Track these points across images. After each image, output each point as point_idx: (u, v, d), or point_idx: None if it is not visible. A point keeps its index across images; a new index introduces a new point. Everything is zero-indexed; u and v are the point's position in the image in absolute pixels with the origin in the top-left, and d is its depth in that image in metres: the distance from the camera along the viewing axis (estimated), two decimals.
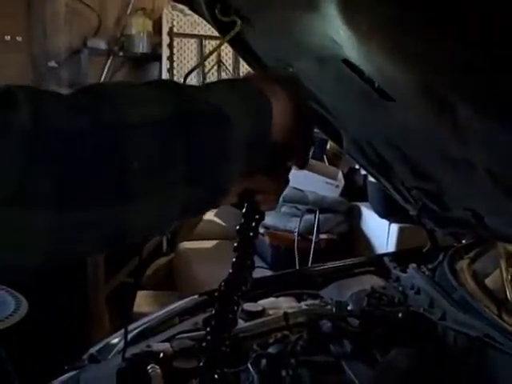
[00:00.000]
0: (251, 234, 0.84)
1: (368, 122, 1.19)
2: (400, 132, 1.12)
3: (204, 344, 0.83)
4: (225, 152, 0.67)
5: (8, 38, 4.87)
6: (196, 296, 1.53)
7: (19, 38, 4.96)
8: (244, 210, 0.84)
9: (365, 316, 1.25)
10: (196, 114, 0.64)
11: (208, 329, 0.86)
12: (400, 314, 1.27)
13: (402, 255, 1.66)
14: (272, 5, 0.97)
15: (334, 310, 1.31)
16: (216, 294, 0.90)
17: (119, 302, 3.35)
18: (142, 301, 3.15)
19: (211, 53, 4.08)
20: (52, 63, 5.05)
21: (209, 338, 0.83)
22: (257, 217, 0.83)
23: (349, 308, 1.32)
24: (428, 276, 1.41)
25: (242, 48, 1.32)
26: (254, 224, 0.83)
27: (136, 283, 3.03)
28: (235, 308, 0.89)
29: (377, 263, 1.64)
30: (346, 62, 0.96)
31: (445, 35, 0.71)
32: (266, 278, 1.66)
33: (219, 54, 4.54)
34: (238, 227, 0.85)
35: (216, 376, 0.76)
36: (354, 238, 3.24)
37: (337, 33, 0.88)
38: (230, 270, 0.90)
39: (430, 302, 1.31)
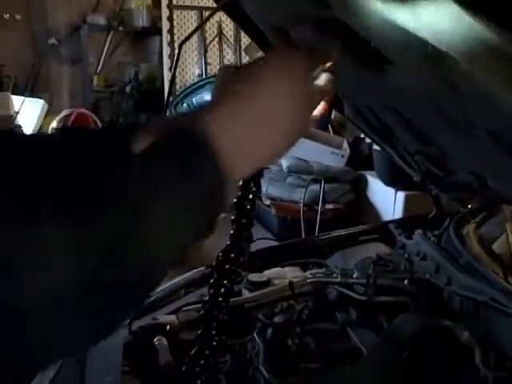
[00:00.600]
0: (248, 206, 0.83)
1: (366, 85, 1.18)
2: (399, 95, 1.11)
3: (202, 313, 0.83)
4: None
5: (7, 16, 4.84)
6: (201, 268, 1.53)
7: (18, 16, 4.92)
8: (240, 182, 0.82)
9: (370, 284, 1.24)
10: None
11: (206, 298, 0.86)
12: (405, 281, 1.27)
13: (407, 222, 1.65)
14: None
15: (339, 278, 1.30)
16: (213, 264, 0.89)
17: None
18: None
19: (206, 20, 4.04)
20: (52, 40, 5.02)
21: (206, 307, 0.83)
22: (253, 189, 0.82)
23: (354, 276, 1.31)
24: (434, 242, 1.40)
25: (238, 16, 1.30)
26: (250, 196, 0.82)
27: None
28: (232, 277, 0.89)
29: (382, 231, 1.63)
30: (342, 24, 0.94)
31: None
32: (271, 248, 1.66)
33: (220, 26, 4.48)
34: (234, 199, 0.84)
35: (214, 343, 0.75)
36: (361, 207, 3.23)
37: None
38: (228, 242, 0.89)
39: (435, 267, 1.30)
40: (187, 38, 1.07)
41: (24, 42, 4.95)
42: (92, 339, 0.53)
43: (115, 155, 0.57)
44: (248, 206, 0.82)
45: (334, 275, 1.33)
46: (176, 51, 4.46)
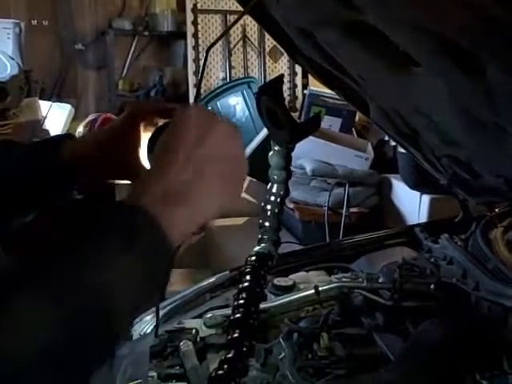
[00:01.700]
0: (276, 210, 0.83)
1: (394, 88, 1.17)
2: (427, 98, 1.10)
3: (232, 318, 0.83)
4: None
5: (35, 22, 4.90)
6: (227, 272, 1.53)
7: (46, 22, 4.99)
8: (268, 187, 0.83)
9: (396, 288, 1.23)
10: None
11: (235, 303, 0.86)
12: (432, 286, 1.25)
13: (433, 226, 1.64)
14: None
15: (364, 282, 1.29)
16: (242, 269, 0.89)
17: None
18: (175, 279, 3.18)
19: (233, 24, 4.04)
20: (79, 46, 5.08)
21: (236, 312, 0.83)
22: (281, 193, 0.82)
23: (380, 280, 1.30)
24: (460, 246, 1.39)
25: (265, 20, 1.31)
26: (278, 200, 0.82)
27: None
28: (262, 282, 0.89)
29: (408, 234, 1.62)
30: (369, 27, 0.94)
31: None
32: (296, 252, 1.65)
33: (244, 30, 4.50)
34: (262, 204, 0.84)
35: (245, 349, 0.76)
36: (385, 211, 3.20)
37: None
38: (257, 247, 0.89)
39: (462, 272, 1.29)
40: (214, 43, 1.07)
41: (51, 48, 5.01)
42: None
43: (70, 231, 0.61)
44: (276, 210, 0.83)
45: (360, 280, 1.32)
46: (201, 55, 4.48)
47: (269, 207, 0.86)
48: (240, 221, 3.51)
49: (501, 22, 0.64)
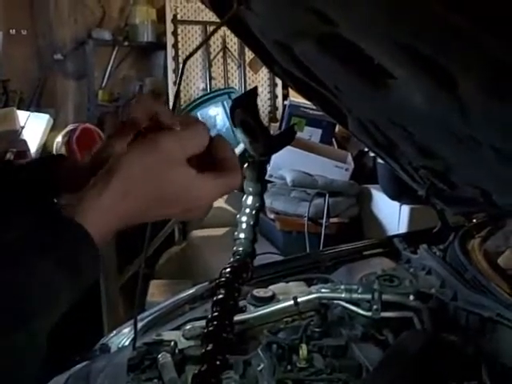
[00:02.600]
0: (251, 222, 0.83)
1: (370, 100, 1.18)
2: (403, 110, 1.11)
3: (205, 331, 0.83)
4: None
5: (13, 31, 4.87)
6: (206, 283, 1.53)
7: (24, 32, 4.95)
8: (243, 199, 0.82)
9: (375, 299, 1.24)
10: None
11: (209, 316, 0.85)
12: (411, 296, 1.26)
13: (412, 236, 1.65)
14: None
15: (344, 293, 1.30)
16: (217, 281, 0.89)
17: (133, 292, 3.37)
18: (155, 290, 3.16)
19: (209, 36, 4.05)
20: (58, 55, 5.04)
21: (210, 325, 0.83)
22: (256, 205, 0.82)
23: (359, 291, 1.30)
24: (439, 256, 1.40)
25: (242, 32, 1.31)
26: (253, 212, 0.82)
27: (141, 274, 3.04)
28: (236, 295, 0.88)
29: (387, 245, 1.63)
30: (344, 40, 0.95)
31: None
32: (276, 263, 1.65)
33: (224, 41, 4.50)
34: (237, 216, 0.84)
35: (218, 362, 0.75)
36: (365, 221, 3.22)
37: (333, 9, 0.86)
38: (231, 259, 0.89)
39: (441, 282, 1.30)
40: (191, 55, 1.07)
41: (30, 57, 4.97)
42: None
43: None
44: (251, 222, 0.82)
45: (339, 291, 1.32)
46: (180, 66, 4.47)
47: (244, 219, 0.86)
48: (220, 231, 3.50)
49: (460, 30, 0.65)
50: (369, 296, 1.25)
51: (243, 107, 0.79)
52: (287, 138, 0.84)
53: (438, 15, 0.66)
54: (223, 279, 0.87)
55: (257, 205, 0.83)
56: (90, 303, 2.92)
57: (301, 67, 1.26)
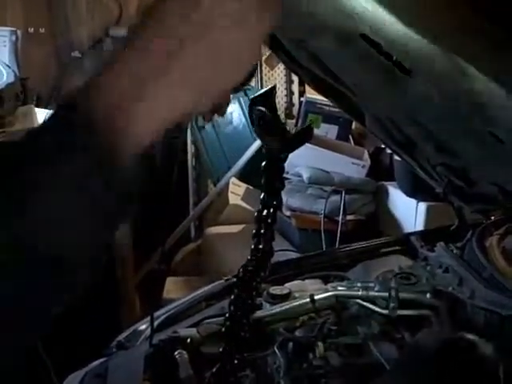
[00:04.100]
0: (269, 220, 0.83)
1: (388, 97, 1.17)
2: (421, 107, 1.10)
3: (223, 330, 0.83)
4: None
5: (31, 30, 4.89)
6: (223, 280, 1.53)
7: (42, 30, 4.98)
8: (261, 197, 0.82)
9: (392, 297, 1.23)
10: None
11: (227, 315, 0.85)
12: (428, 294, 1.25)
13: (429, 234, 1.64)
14: None
15: (360, 291, 1.29)
16: (234, 279, 0.89)
17: (150, 289, 3.38)
18: (171, 287, 3.17)
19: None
20: (75, 53, 5.07)
21: (228, 323, 0.83)
22: (274, 203, 0.82)
23: (376, 289, 1.30)
24: (456, 254, 1.38)
25: None
26: (271, 210, 0.82)
27: (163, 270, 3.05)
28: (253, 293, 0.88)
29: (404, 243, 1.62)
30: (364, 37, 0.94)
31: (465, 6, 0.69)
32: (292, 261, 1.65)
33: None
34: (255, 214, 0.84)
35: (236, 361, 0.75)
36: (382, 219, 3.20)
37: (353, 7, 0.86)
38: (249, 257, 0.89)
39: (458, 280, 1.29)
40: None
41: (48, 55, 5.00)
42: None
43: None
44: (269, 220, 0.82)
45: (356, 288, 1.32)
46: None
47: (261, 217, 0.86)
48: (236, 228, 3.51)
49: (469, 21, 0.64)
50: (386, 294, 1.25)
51: (261, 105, 0.79)
52: (305, 135, 0.84)
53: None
54: (241, 277, 0.87)
55: (274, 203, 0.83)
56: (106, 300, 2.93)
57: (318, 64, 1.25)
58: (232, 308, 0.87)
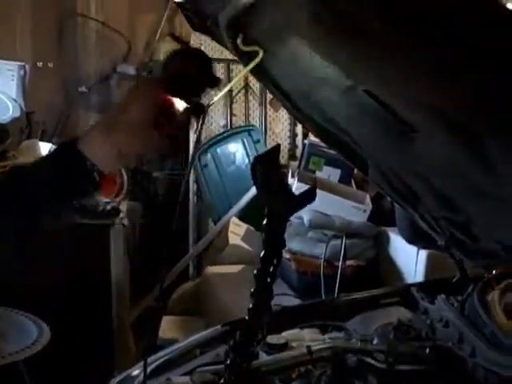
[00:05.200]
0: (268, 279, 0.82)
1: (393, 151, 1.17)
2: (426, 163, 1.10)
3: (222, 381, 0.81)
4: None
5: (40, 64, 4.95)
6: (218, 326, 1.51)
7: (51, 64, 5.04)
8: (261, 255, 0.81)
9: (391, 351, 1.21)
10: None
11: (227, 362, 0.84)
12: (427, 350, 1.23)
13: (429, 285, 1.62)
14: (290, 37, 0.96)
15: (358, 344, 1.27)
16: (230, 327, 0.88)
17: (146, 326, 3.34)
18: (168, 326, 3.14)
19: (232, 84, 4.10)
20: (82, 88, 5.11)
21: (227, 373, 0.81)
22: (274, 262, 0.81)
23: (374, 342, 1.28)
24: (457, 308, 1.37)
25: (263, 76, 1.31)
26: (271, 269, 0.81)
27: (160, 308, 3.02)
28: (254, 344, 0.87)
29: (404, 294, 1.60)
30: (368, 93, 0.94)
31: (457, 60, 0.69)
32: (289, 308, 1.63)
33: (246, 78, 4.55)
34: (254, 272, 0.83)
35: None
36: (382, 264, 3.17)
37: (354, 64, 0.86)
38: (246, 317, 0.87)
39: (459, 336, 1.27)
40: (211, 103, 1.10)
41: (56, 89, 5.05)
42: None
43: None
44: (268, 279, 0.81)
45: (354, 340, 1.30)
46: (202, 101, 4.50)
47: (261, 275, 0.84)
48: (235, 269, 3.48)
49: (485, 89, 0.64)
50: (384, 347, 1.23)
51: (265, 164, 0.79)
52: (309, 197, 0.84)
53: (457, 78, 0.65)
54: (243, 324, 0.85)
55: (274, 261, 0.82)
56: (101, 336, 2.90)
57: (322, 114, 1.25)
58: (231, 357, 0.85)
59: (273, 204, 0.81)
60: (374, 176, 1.39)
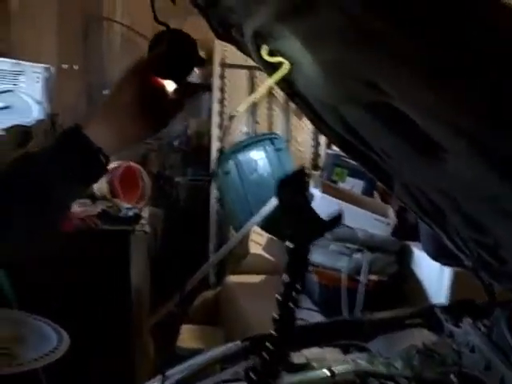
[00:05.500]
0: (292, 305, 0.79)
1: (421, 168, 1.14)
2: (454, 183, 1.06)
3: None
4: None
5: (66, 66, 4.99)
6: (238, 342, 1.48)
7: (76, 67, 5.07)
8: (284, 279, 0.79)
9: (415, 376, 1.18)
10: None
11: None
12: (453, 376, 1.19)
13: (455, 307, 1.58)
14: (319, 48, 0.93)
15: (381, 367, 1.24)
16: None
17: (165, 333, 3.33)
18: (187, 335, 3.12)
19: (256, 97, 4.09)
20: (106, 91, 5.14)
21: None
22: (298, 287, 0.78)
23: (398, 366, 1.24)
24: (484, 333, 1.33)
25: (287, 87, 1.29)
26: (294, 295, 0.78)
27: (180, 316, 3.01)
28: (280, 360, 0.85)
29: (428, 315, 1.56)
30: (396, 110, 0.91)
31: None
32: (311, 326, 1.60)
33: (270, 86, 4.52)
34: (277, 296, 0.81)
35: None
36: (405, 280, 3.12)
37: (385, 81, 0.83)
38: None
39: (486, 363, 1.23)
40: (235, 114, 1.10)
41: (80, 92, 5.08)
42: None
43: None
44: (291, 305, 0.79)
45: (377, 363, 1.26)
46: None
47: (284, 302, 0.82)
48: (256, 278, 3.46)
49: None
50: (408, 373, 1.19)
51: (291, 187, 0.76)
52: (335, 222, 0.81)
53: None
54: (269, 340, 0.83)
55: (298, 287, 0.79)
56: (120, 342, 2.89)
57: (347, 127, 1.23)
58: (256, 373, 0.83)
59: (298, 228, 0.78)
60: (400, 192, 1.35)
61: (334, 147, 3.95)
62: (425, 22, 0.65)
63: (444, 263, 2.79)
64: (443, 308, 1.56)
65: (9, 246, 1.00)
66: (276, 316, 0.83)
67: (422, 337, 1.40)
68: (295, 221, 0.78)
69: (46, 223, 1.04)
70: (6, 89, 3.44)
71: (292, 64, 1.08)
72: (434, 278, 2.85)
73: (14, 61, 3.72)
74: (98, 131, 1.01)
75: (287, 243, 0.81)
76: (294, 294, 0.79)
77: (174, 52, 1.02)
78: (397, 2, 0.65)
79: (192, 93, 1.10)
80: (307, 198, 0.78)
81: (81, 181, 1.03)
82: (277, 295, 0.83)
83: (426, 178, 1.21)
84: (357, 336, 1.49)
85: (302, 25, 0.88)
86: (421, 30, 0.66)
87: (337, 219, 0.82)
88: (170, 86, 1.04)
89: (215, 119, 4.54)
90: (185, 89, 1.06)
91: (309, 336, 1.50)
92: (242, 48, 1.24)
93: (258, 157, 4.25)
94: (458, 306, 1.57)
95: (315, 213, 0.78)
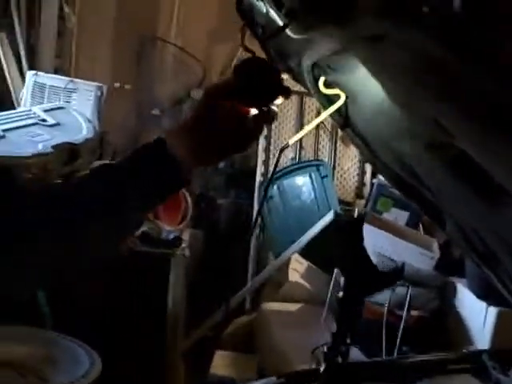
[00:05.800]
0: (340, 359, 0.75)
1: (477, 211, 1.09)
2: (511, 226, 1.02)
3: None
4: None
5: (117, 85, 5.06)
6: (274, 378, 1.44)
7: (128, 86, 5.14)
8: (333, 330, 0.75)
9: None
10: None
11: None
12: None
13: (503, 353, 1.50)
14: (385, 80, 0.90)
15: None
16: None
17: (198, 358, 3.28)
18: (220, 362, 3.07)
19: (311, 127, 4.07)
20: (156, 111, 5.19)
21: None
22: (348, 340, 0.74)
23: None
24: None
25: (341, 119, 1.26)
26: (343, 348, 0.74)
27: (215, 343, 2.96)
28: None
29: (474, 360, 1.49)
30: (458, 150, 0.88)
31: None
32: (352, 365, 1.54)
33: (318, 112, 4.50)
34: (325, 350, 0.77)
35: None
36: (447, 317, 3.03)
37: (450, 122, 0.79)
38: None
39: None
40: (286, 146, 1.08)
41: (129, 111, 5.14)
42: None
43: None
44: (339, 359, 0.74)
45: None
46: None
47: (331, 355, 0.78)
48: (293, 307, 3.40)
49: None
50: None
51: (350, 235, 0.73)
52: (396, 277, 0.77)
53: None
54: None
55: (348, 341, 0.75)
56: (151, 368, 2.87)
57: (401, 164, 1.19)
58: None
59: (353, 279, 0.74)
60: (452, 233, 1.30)
61: (380, 177, 3.89)
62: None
63: (490, 303, 2.70)
64: (491, 354, 1.49)
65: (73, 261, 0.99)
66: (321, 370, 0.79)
67: (466, 383, 1.34)
68: (352, 270, 0.74)
69: (119, 232, 1.03)
70: (58, 106, 3.49)
71: (347, 97, 1.06)
72: (478, 316, 2.76)
73: (68, 78, 3.78)
74: (178, 147, 0.99)
75: (340, 293, 0.77)
76: (342, 347, 0.74)
77: (261, 80, 1.01)
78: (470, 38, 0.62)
79: (272, 119, 1.06)
80: (365, 249, 0.74)
81: (161, 193, 1.01)
82: (325, 347, 0.79)
83: (483, 220, 1.16)
84: (399, 378, 1.43)
85: (370, 56, 0.85)
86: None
87: (397, 274, 0.77)
88: (251, 111, 1.03)
89: (262, 142, 4.53)
90: (265, 115, 1.03)
91: (350, 375, 1.45)
92: (296, 77, 1.23)
93: (303, 183, 4.21)
94: (507, 353, 1.50)
95: (374, 265, 0.74)
